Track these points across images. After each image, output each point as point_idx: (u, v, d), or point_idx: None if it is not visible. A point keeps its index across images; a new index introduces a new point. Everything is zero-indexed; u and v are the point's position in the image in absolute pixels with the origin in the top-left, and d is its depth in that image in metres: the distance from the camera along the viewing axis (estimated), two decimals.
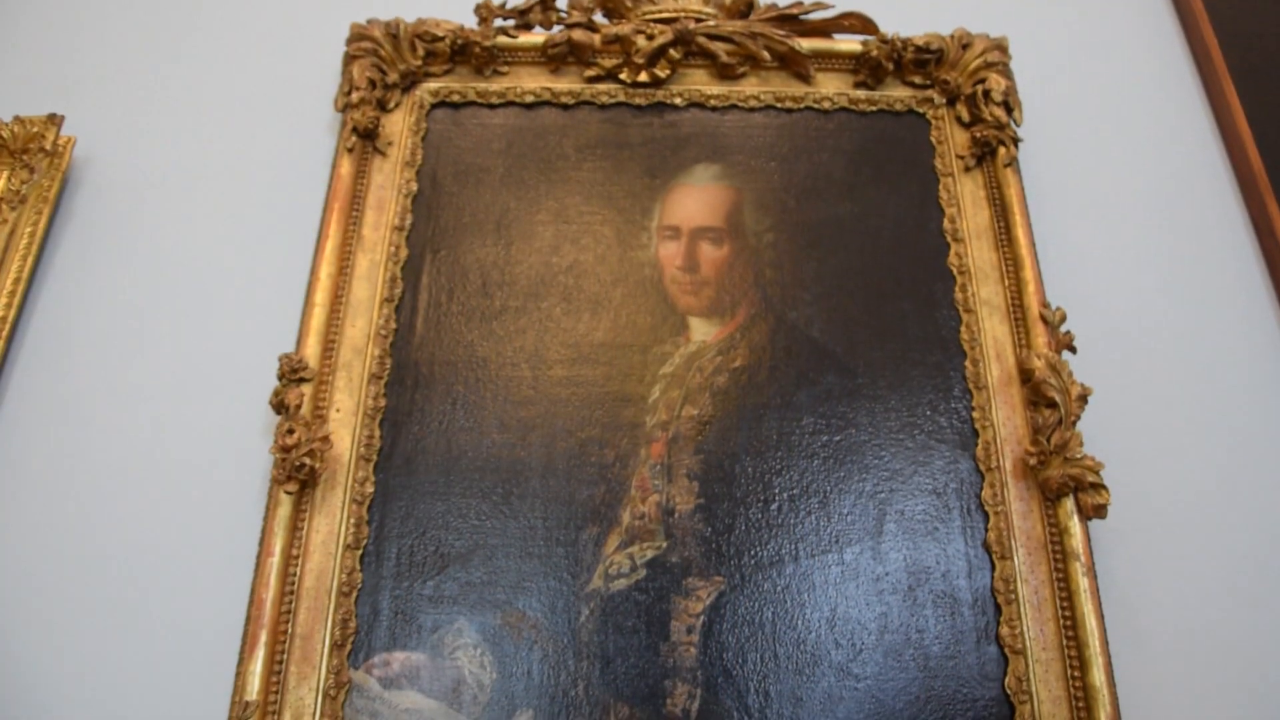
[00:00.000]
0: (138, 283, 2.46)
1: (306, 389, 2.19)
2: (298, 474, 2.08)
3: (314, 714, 1.97)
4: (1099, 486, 2.12)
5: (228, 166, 2.62)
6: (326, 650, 2.02)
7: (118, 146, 2.64)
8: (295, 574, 2.06)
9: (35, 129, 2.52)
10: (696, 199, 2.50)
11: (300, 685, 1.99)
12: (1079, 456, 2.13)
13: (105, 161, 2.62)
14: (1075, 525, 2.12)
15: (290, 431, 2.10)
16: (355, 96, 2.52)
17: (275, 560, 2.05)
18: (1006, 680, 2.04)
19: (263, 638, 1.99)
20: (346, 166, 2.46)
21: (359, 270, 2.36)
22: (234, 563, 2.12)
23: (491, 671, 2.03)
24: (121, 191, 2.58)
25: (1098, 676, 2.00)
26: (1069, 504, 2.13)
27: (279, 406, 2.17)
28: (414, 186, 2.49)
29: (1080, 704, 2.00)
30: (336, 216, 2.38)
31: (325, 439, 2.13)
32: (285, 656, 2.00)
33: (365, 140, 2.50)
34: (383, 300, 2.33)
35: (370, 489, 2.15)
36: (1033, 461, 2.17)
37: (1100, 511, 2.11)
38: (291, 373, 2.19)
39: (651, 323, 2.35)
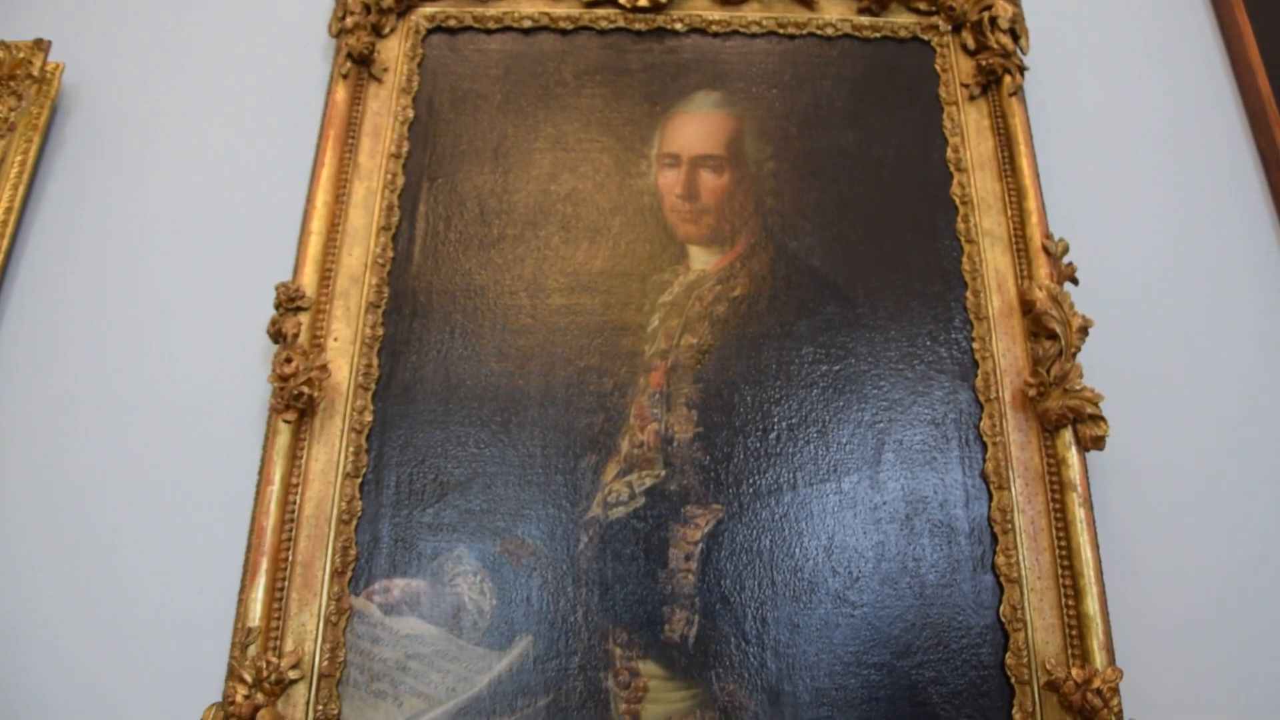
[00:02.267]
0: (132, 212, 2.44)
1: (304, 318, 2.18)
2: (296, 403, 2.08)
3: (316, 640, 1.99)
4: (1098, 418, 2.12)
5: (221, 94, 2.58)
6: (327, 577, 2.03)
7: (108, 74, 2.60)
8: (295, 502, 2.07)
9: (21, 54, 2.48)
10: (697, 126, 2.47)
11: (302, 612, 2.01)
12: (1078, 388, 2.13)
13: (96, 89, 2.58)
14: (1073, 456, 2.12)
15: (288, 360, 2.10)
16: (350, 21, 2.47)
17: (275, 489, 2.05)
18: (1001, 608, 2.06)
19: (264, 565, 2.00)
20: (341, 93, 2.42)
21: (355, 198, 2.34)
22: (234, 492, 2.13)
23: (491, 598, 2.05)
24: (113, 119, 2.55)
25: (1091, 605, 2.02)
26: (1067, 435, 2.13)
27: (276, 335, 2.16)
28: (410, 113, 2.45)
29: (1074, 632, 2.03)
30: (332, 144, 2.35)
31: (323, 368, 2.13)
32: (286, 584, 2.02)
33: (360, 66, 2.46)
34: (380, 228, 2.31)
35: (369, 417, 2.16)
36: (1032, 393, 2.16)
37: (1098, 443, 2.12)
38: (288, 301, 2.18)
39: (651, 251, 2.33)
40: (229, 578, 2.04)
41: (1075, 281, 2.27)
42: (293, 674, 1.95)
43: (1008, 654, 2.03)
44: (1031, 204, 2.34)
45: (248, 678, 1.91)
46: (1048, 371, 2.16)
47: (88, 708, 2.01)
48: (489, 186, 2.39)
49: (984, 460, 2.16)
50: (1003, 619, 2.05)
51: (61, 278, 2.36)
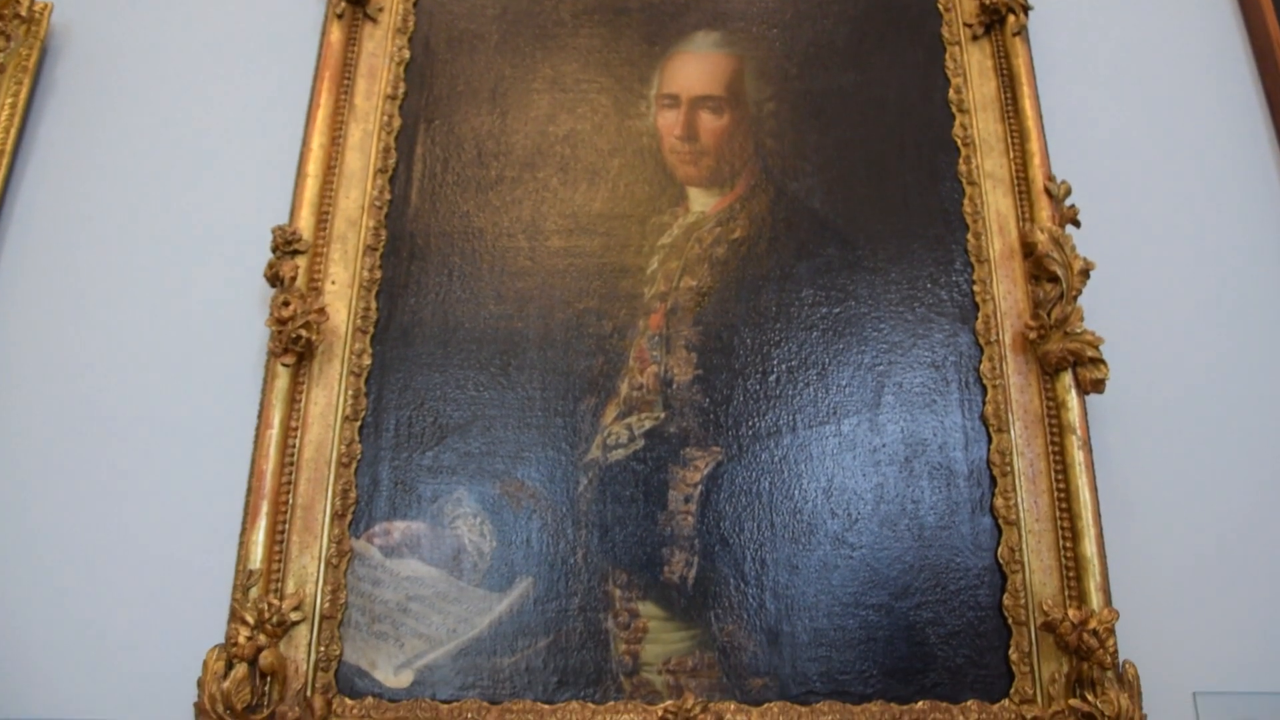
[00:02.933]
0: (125, 156, 2.41)
1: (301, 261, 2.17)
2: (294, 346, 2.07)
3: (316, 582, 2.00)
4: (1098, 361, 2.11)
5: (214, 35, 2.54)
6: (327, 520, 2.04)
7: (98, 15, 2.55)
8: (294, 446, 2.07)
9: None
10: (696, 67, 2.43)
11: (302, 554, 2.02)
12: (1079, 331, 2.13)
13: (86, 30, 2.54)
14: (1073, 399, 2.12)
15: (285, 304, 2.09)
16: None
17: (274, 432, 2.05)
18: (999, 550, 2.07)
19: (264, 508, 2.01)
20: (336, 33, 2.39)
21: (351, 140, 2.31)
22: (234, 436, 2.13)
23: (491, 540, 2.06)
24: (105, 62, 2.51)
25: (1089, 548, 2.03)
26: (1067, 378, 2.13)
27: (273, 279, 2.15)
28: (406, 54, 2.42)
29: (1071, 574, 2.04)
30: (327, 85, 2.33)
31: (321, 311, 2.12)
32: (287, 527, 2.03)
33: (355, 6, 2.42)
34: (376, 171, 2.29)
35: (367, 361, 2.15)
36: (1032, 336, 2.16)
37: (1098, 386, 2.11)
38: (285, 245, 2.16)
39: (650, 193, 2.31)
40: (230, 521, 2.05)
41: (1077, 224, 2.26)
42: (294, 616, 1.96)
43: (1005, 595, 2.04)
44: (1034, 145, 2.32)
45: (250, 619, 1.92)
46: (1048, 314, 2.15)
47: (92, 652, 2.03)
48: (486, 128, 2.37)
49: (983, 403, 2.16)
50: (1000, 561, 2.06)
51: (54, 225, 2.34)
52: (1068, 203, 2.27)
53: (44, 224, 2.34)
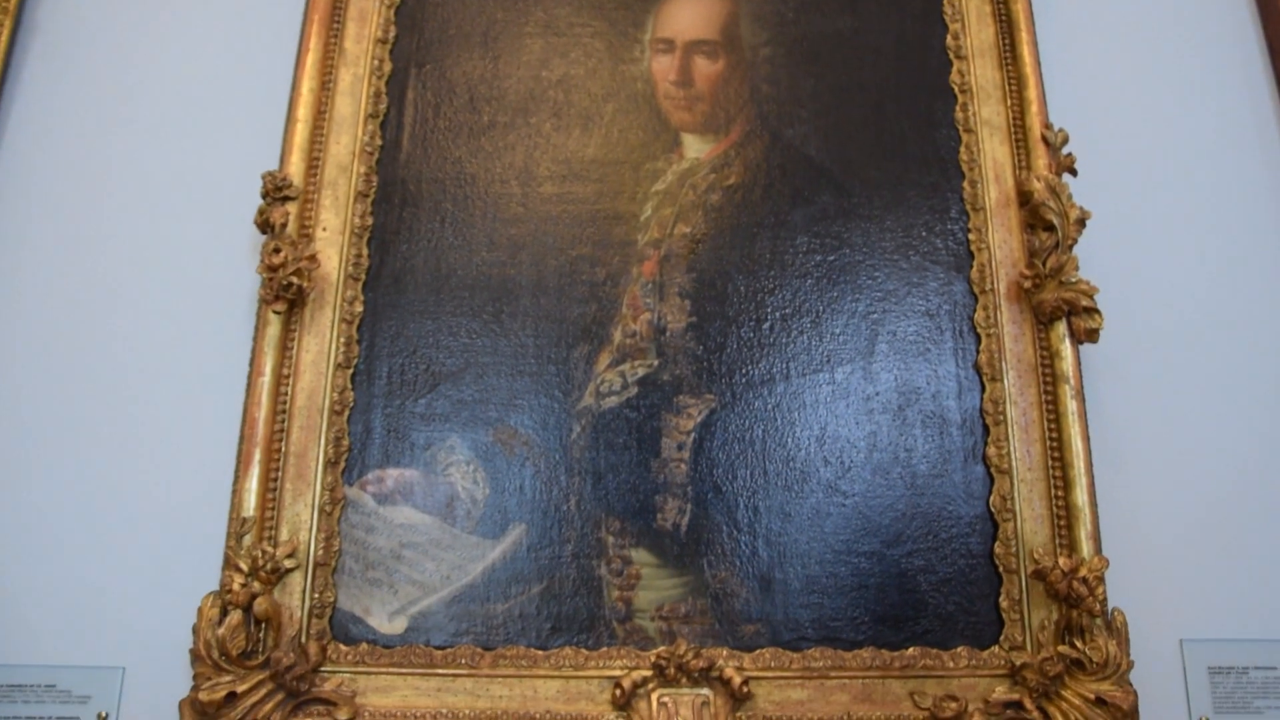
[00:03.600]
0: (111, 101, 2.37)
1: (291, 207, 2.15)
2: (285, 293, 2.06)
3: (310, 529, 2.01)
4: (1092, 311, 2.11)
5: None
6: (320, 467, 2.04)
7: None
8: (287, 393, 2.07)
9: None
10: (691, 10, 2.40)
11: (296, 502, 2.02)
12: (1074, 280, 2.12)
13: None
14: (1067, 349, 2.12)
15: (276, 251, 2.07)
16: None
17: (266, 380, 2.04)
18: (991, 499, 2.08)
19: (257, 456, 2.00)
20: None
21: (342, 85, 2.28)
22: (225, 384, 2.12)
23: (484, 487, 2.06)
24: (90, 5, 2.46)
25: (1080, 496, 2.04)
26: (1061, 328, 2.13)
27: (264, 226, 2.13)
28: None
29: (1062, 522, 2.05)
30: (316, 29, 2.29)
31: (312, 258, 2.10)
32: (280, 474, 2.03)
33: None
34: (367, 116, 2.27)
35: (359, 308, 2.14)
36: (1027, 285, 2.15)
37: (1092, 336, 2.11)
38: (275, 191, 2.14)
39: (644, 139, 2.29)
40: (224, 469, 2.05)
41: (1074, 173, 2.24)
42: (288, 563, 1.97)
43: (996, 543, 2.05)
44: (1032, 93, 2.30)
45: (244, 566, 1.93)
46: (1044, 263, 2.14)
47: (88, 599, 2.04)
48: (478, 73, 2.34)
49: (977, 352, 2.16)
50: (992, 509, 2.07)
51: (39, 173, 2.31)
52: (1065, 151, 2.25)
53: (29, 171, 2.31)
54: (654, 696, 1.92)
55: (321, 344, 2.10)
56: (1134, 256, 2.32)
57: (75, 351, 2.18)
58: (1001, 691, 1.96)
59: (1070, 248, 2.15)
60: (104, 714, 1.98)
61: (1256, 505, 2.20)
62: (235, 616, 1.90)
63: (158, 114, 2.36)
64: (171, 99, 2.38)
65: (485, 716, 1.92)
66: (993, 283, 2.20)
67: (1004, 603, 2.03)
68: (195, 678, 1.88)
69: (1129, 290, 2.27)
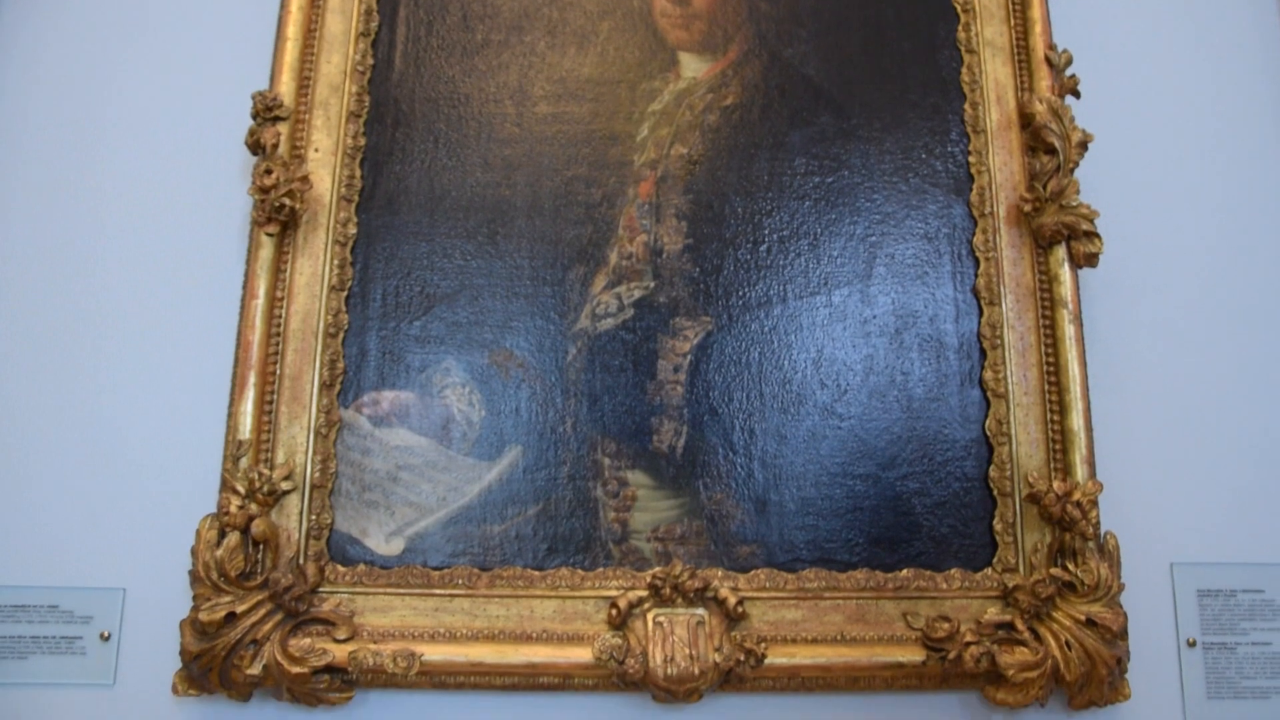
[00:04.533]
0: (98, 19, 2.32)
1: (283, 128, 2.12)
2: (278, 215, 2.04)
3: (306, 452, 2.01)
4: (1092, 235, 2.10)
5: None
6: (316, 390, 2.04)
7: None
8: (280, 316, 2.06)
9: None
10: None
11: (292, 424, 2.02)
12: (1074, 204, 2.10)
13: None
14: (1065, 273, 2.11)
15: (268, 172, 2.04)
16: None
17: (259, 302, 2.03)
18: (987, 423, 2.08)
19: (251, 379, 2.00)
20: None
21: (332, 2, 2.23)
22: (219, 307, 2.11)
23: (480, 409, 2.06)
24: None
25: (1076, 421, 2.05)
26: (1060, 252, 2.12)
27: (255, 147, 2.10)
28: None
29: (1057, 446, 2.06)
30: None
31: (304, 179, 2.07)
32: (275, 397, 2.03)
33: None
34: (359, 34, 2.22)
35: (353, 230, 2.12)
36: (1027, 208, 2.13)
37: (1092, 260, 2.10)
38: (266, 111, 2.11)
39: (640, 58, 2.25)
40: (219, 393, 2.05)
41: (1077, 95, 2.22)
42: (285, 485, 1.98)
43: (991, 467, 2.06)
44: (1035, 13, 2.26)
45: (240, 489, 1.93)
46: (1044, 187, 2.12)
47: (88, 522, 2.05)
48: None
49: (975, 276, 2.15)
50: (988, 433, 2.08)
51: (26, 94, 2.27)
52: (1068, 73, 2.22)
53: (16, 93, 2.27)
54: (650, 617, 1.94)
55: (315, 266, 2.09)
56: (1135, 181, 2.30)
57: (68, 278, 2.16)
58: (994, 613, 1.99)
59: (1071, 171, 2.13)
60: (106, 634, 2.00)
61: (1250, 432, 2.21)
62: (233, 538, 1.91)
63: (145, 32, 2.31)
64: (159, 16, 2.32)
65: (482, 636, 1.95)
66: (992, 206, 2.18)
67: (998, 526, 2.04)
68: (195, 598, 1.90)
69: (1129, 215, 2.26)
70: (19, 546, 2.04)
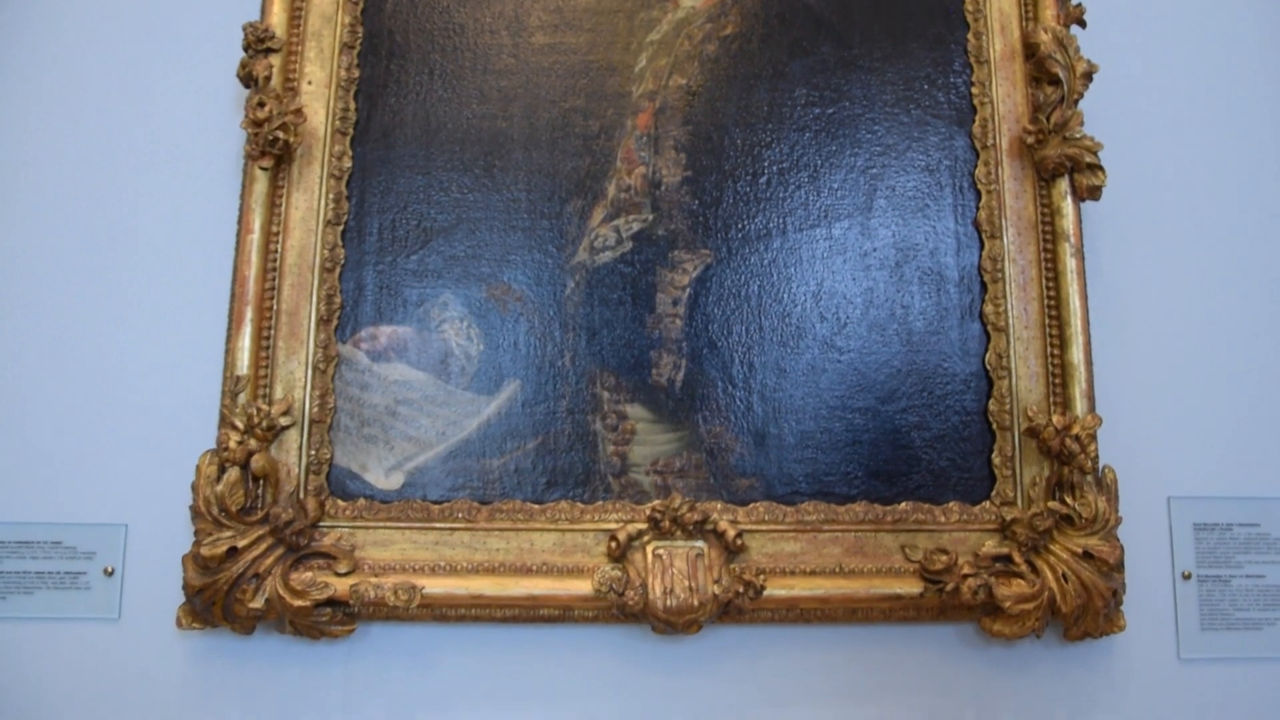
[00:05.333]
0: None
1: (275, 60, 2.08)
2: (271, 149, 2.01)
3: (304, 387, 2.01)
4: (1096, 167, 2.07)
5: None
6: (313, 325, 2.03)
7: None
8: (276, 251, 2.04)
9: None
10: None
11: (289, 360, 2.02)
12: (1078, 136, 2.08)
13: None
14: (1068, 206, 2.10)
15: (260, 105, 2.01)
16: None
17: (255, 237, 2.02)
18: (987, 356, 2.08)
19: (248, 314, 1.99)
20: None
21: None
22: (214, 242, 2.10)
23: (478, 343, 2.06)
24: None
25: (1076, 355, 2.04)
26: (1063, 184, 2.10)
27: (247, 79, 2.07)
28: None
29: (1057, 380, 2.06)
30: None
31: (298, 112, 2.05)
32: (272, 332, 2.02)
33: None
34: None
35: (348, 163, 2.10)
36: (1030, 140, 2.11)
37: (1095, 193, 2.08)
38: (258, 42, 2.07)
39: None
40: (217, 328, 2.04)
41: (1082, 24, 2.18)
42: (284, 420, 1.98)
43: (991, 400, 2.06)
44: None
45: (239, 424, 1.93)
46: (1048, 118, 2.10)
47: (90, 458, 2.06)
48: None
49: (977, 208, 2.13)
50: (988, 366, 2.07)
51: (18, 29, 2.23)
52: (1074, 1, 2.18)
53: (5, 30, 2.23)
54: (649, 549, 1.95)
55: (310, 200, 2.07)
56: (1140, 114, 2.28)
57: (64, 217, 2.14)
58: (991, 545, 2.00)
59: (1076, 102, 2.11)
60: (109, 569, 2.01)
61: (1249, 367, 2.20)
62: (233, 474, 1.92)
63: None
64: None
65: (483, 569, 1.96)
66: (995, 138, 2.15)
67: (996, 459, 2.05)
68: (196, 533, 1.91)
69: (1133, 148, 2.23)
70: (21, 483, 2.05)
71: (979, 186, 2.14)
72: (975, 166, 2.15)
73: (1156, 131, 2.28)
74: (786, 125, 2.16)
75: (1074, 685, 2.06)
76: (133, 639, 2.01)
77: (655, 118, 2.14)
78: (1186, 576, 2.11)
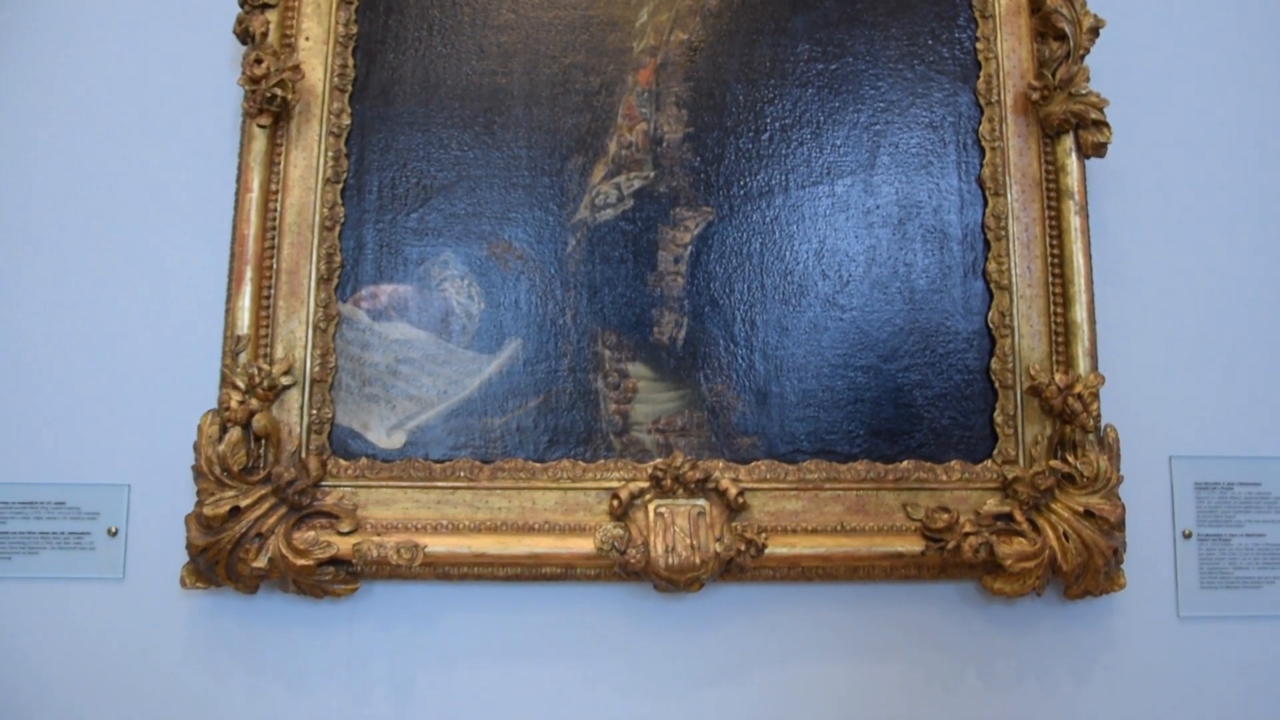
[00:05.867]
0: None
1: (272, 15, 2.06)
2: (269, 106, 2.00)
3: (305, 346, 2.00)
4: (1101, 124, 2.06)
5: None
6: (313, 284, 2.02)
7: None
8: (276, 209, 2.03)
9: None
10: None
11: (290, 319, 2.01)
12: (1084, 92, 2.06)
13: None
14: (1072, 163, 2.08)
15: (258, 61, 1.99)
16: None
17: (254, 196, 2.01)
18: (990, 315, 2.07)
19: (248, 274, 1.98)
20: None
21: None
22: (214, 201, 2.09)
23: (479, 302, 2.05)
24: None
25: (1079, 313, 2.04)
26: (1068, 141, 2.08)
27: (244, 35, 2.05)
28: None
29: (1060, 339, 2.05)
30: None
31: (296, 68, 2.03)
32: (272, 292, 2.01)
33: None
34: None
35: (347, 121, 2.08)
36: (1035, 96, 2.09)
37: (1100, 150, 2.07)
38: None
39: None
40: (217, 288, 2.03)
41: None
42: (285, 380, 1.97)
43: (993, 359, 2.06)
44: None
45: (241, 384, 1.93)
46: (1053, 74, 2.08)
47: (92, 419, 2.06)
48: None
49: (981, 165, 2.12)
50: (990, 325, 2.07)
51: None
52: None
53: None
54: (651, 507, 1.95)
55: (309, 158, 2.05)
56: (1147, 70, 2.25)
57: (62, 178, 2.13)
58: (993, 504, 2.00)
59: (1081, 58, 2.08)
60: (113, 529, 2.02)
61: (1251, 326, 2.20)
62: (235, 433, 1.92)
63: None
64: None
65: (485, 528, 1.96)
66: (999, 94, 2.13)
67: (998, 418, 2.05)
68: (199, 493, 1.91)
69: (1139, 105, 2.22)
70: (25, 444, 2.05)
71: (983, 143, 2.12)
72: (979, 123, 2.13)
73: (1163, 88, 2.26)
74: (789, 81, 2.14)
75: (1074, 643, 2.07)
76: (137, 599, 2.02)
77: (657, 73, 2.12)
78: (1187, 535, 2.11)
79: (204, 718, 1.99)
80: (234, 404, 1.92)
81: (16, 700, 1.99)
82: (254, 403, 1.93)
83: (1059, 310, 2.06)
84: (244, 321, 1.97)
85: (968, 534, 1.95)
